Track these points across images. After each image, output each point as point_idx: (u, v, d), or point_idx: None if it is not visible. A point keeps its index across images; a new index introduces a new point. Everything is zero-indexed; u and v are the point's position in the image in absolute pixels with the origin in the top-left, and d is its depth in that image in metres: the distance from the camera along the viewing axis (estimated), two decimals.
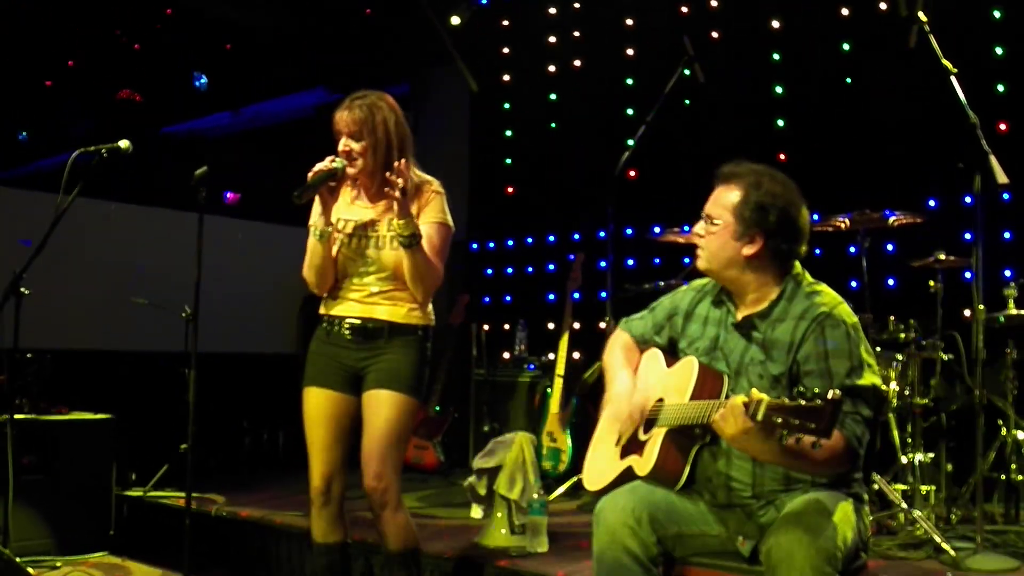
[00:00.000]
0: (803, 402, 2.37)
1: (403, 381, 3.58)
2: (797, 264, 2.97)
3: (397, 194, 3.42)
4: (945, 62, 4.35)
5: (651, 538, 2.82)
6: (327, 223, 3.59)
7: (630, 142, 5.74)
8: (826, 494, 2.78)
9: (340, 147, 3.58)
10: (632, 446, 3.03)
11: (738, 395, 2.56)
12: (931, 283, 5.01)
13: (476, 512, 5.09)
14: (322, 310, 3.73)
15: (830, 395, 2.36)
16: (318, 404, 3.65)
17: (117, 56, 8.21)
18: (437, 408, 6.98)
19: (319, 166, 3.54)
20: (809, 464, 2.65)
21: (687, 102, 6.80)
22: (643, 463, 2.93)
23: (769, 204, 2.86)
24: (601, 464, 3.16)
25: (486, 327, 7.53)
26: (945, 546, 4.25)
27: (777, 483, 2.85)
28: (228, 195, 9.27)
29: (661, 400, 3.00)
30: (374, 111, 3.59)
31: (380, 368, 3.59)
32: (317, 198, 3.57)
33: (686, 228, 5.69)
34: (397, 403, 3.55)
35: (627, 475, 2.99)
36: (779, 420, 2.40)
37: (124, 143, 3.99)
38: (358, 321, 3.62)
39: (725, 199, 2.90)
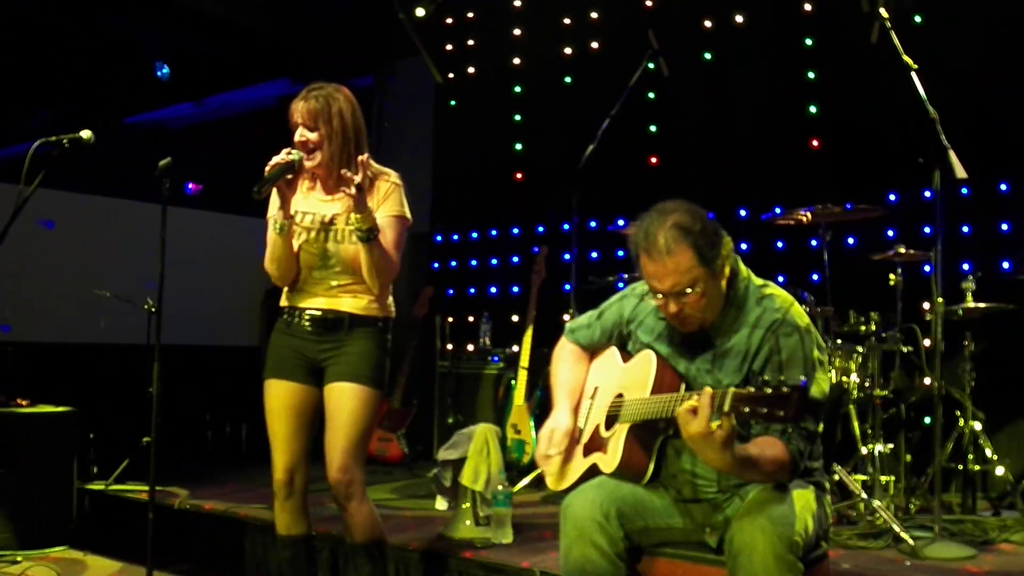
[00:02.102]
0: (769, 390, 2.38)
1: (365, 373, 3.57)
2: (742, 266, 2.95)
3: (353, 190, 3.41)
4: (906, 58, 4.40)
5: (618, 533, 2.83)
6: (286, 216, 3.57)
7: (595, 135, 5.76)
8: (789, 483, 2.81)
9: (296, 137, 3.56)
10: (595, 443, 3.04)
11: (707, 388, 2.55)
12: (891, 276, 5.07)
13: (441, 504, 5.11)
14: (283, 302, 3.72)
15: (795, 382, 2.38)
16: (279, 395, 3.64)
17: (78, 45, 8.10)
18: (401, 401, 6.98)
19: (276, 159, 3.51)
20: (757, 474, 2.67)
21: (651, 95, 6.84)
22: (608, 460, 2.94)
23: (709, 234, 2.79)
24: (564, 462, 3.15)
25: (450, 319, 7.54)
26: (904, 535, 4.32)
27: None
28: (190, 186, 9.19)
29: (620, 396, 3.00)
30: (330, 101, 3.57)
31: (341, 361, 3.58)
32: (275, 191, 3.55)
33: None
34: (360, 395, 3.55)
35: (592, 472, 3.00)
36: (746, 410, 2.41)
37: (86, 133, 3.93)
38: (319, 313, 3.61)
39: (683, 266, 2.76)
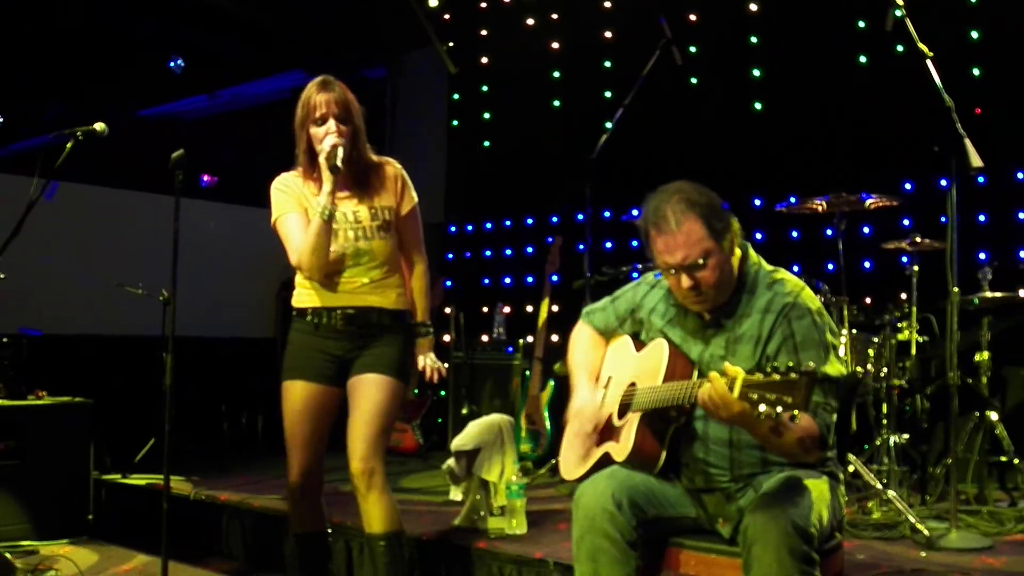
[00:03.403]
0: (777, 377, 2.38)
1: (392, 365, 3.58)
2: (752, 252, 2.96)
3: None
4: (921, 46, 4.36)
5: (630, 522, 2.82)
6: (333, 203, 3.49)
7: (608, 124, 5.75)
8: (802, 472, 2.81)
9: (330, 129, 3.48)
10: (608, 433, 3.04)
11: (712, 372, 2.56)
12: (906, 266, 5.04)
13: (455, 494, 5.11)
14: (304, 303, 3.63)
15: (804, 368, 2.37)
16: (303, 397, 3.59)
17: (93, 38, 8.13)
18: (416, 391, 6.99)
19: (335, 141, 3.46)
20: (787, 442, 2.65)
21: (663, 85, 6.81)
22: (620, 449, 2.94)
23: (716, 208, 2.82)
24: (577, 451, 3.16)
25: (464, 310, 7.54)
26: (919, 526, 4.29)
27: (754, 466, 2.87)
28: (205, 178, 9.22)
29: (634, 384, 3.00)
30: (348, 93, 3.55)
31: (369, 353, 3.58)
32: (327, 176, 3.47)
33: None
34: (386, 386, 3.55)
35: (604, 461, 3.00)
36: (755, 396, 2.41)
37: (99, 126, 3.94)
38: (352, 311, 3.57)
39: (693, 237, 2.78)
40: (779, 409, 2.40)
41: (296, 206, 3.57)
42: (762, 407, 2.41)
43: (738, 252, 2.89)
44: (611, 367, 3.20)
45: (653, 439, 2.89)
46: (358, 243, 3.56)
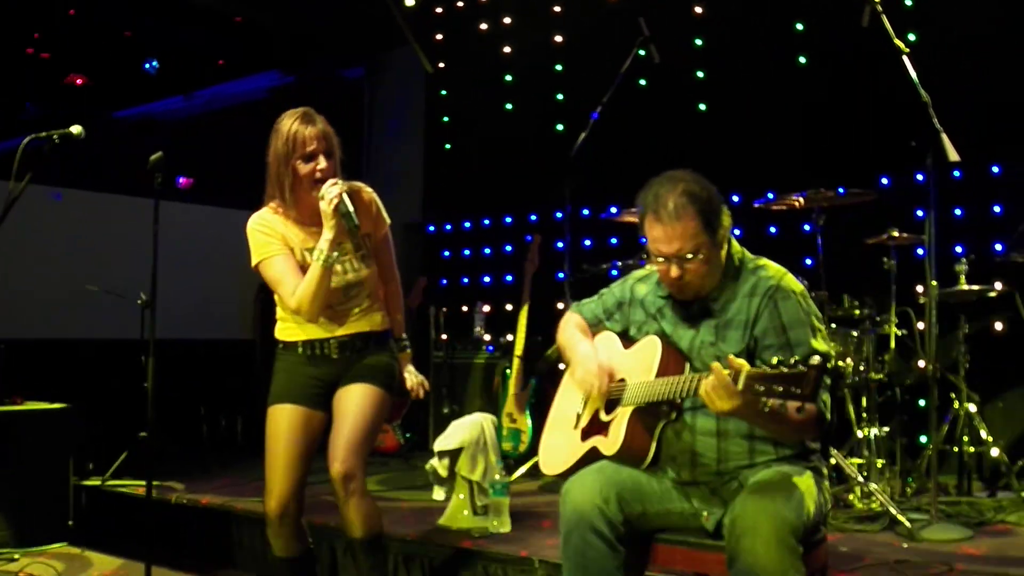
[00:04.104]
0: (785, 369, 2.40)
1: (379, 377, 3.58)
2: (735, 243, 3.00)
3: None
4: (897, 41, 4.39)
5: (618, 517, 2.84)
6: (332, 250, 3.44)
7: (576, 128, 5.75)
8: (789, 467, 2.83)
9: (320, 165, 3.43)
10: (594, 427, 3.05)
11: (716, 364, 2.57)
12: (884, 260, 5.08)
13: (438, 494, 5.11)
14: (295, 336, 3.59)
15: (812, 360, 2.39)
16: (288, 420, 3.55)
17: (66, 40, 8.07)
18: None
19: (340, 191, 3.41)
20: (788, 427, 2.69)
21: (642, 82, 6.83)
22: (609, 443, 2.95)
23: (715, 204, 2.87)
24: (560, 447, 3.17)
25: (444, 309, 7.53)
26: (900, 518, 4.34)
27: (741, 457, 2.89)
28: (181, 180, 9.16)
29: (623, 380, 3.02)
30: (328, 125, 3.51)
31: (356, 368, 3.58)
32: (329, 225, 3.42)
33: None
34: (371, 394, 3.54)
35: (591, 456, 3.01)
36: (761, 388, 2.43)
37: (76, 128, 3.89)
38: (346, 339, 3.57)
39: (689, 231, 2.82)
40: (787, 401, 2.42)
41: (281, 247, 3.51)
42: (769, 399, 2.44)
43: (726, 241, 2.94)
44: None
45: (643, 434, 2.91)
46: (347, 276, 3.55)
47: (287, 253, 3.51)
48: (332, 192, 3.40)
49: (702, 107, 6.82)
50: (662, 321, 3.04)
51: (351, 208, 3.42)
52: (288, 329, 3.61)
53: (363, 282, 3.59)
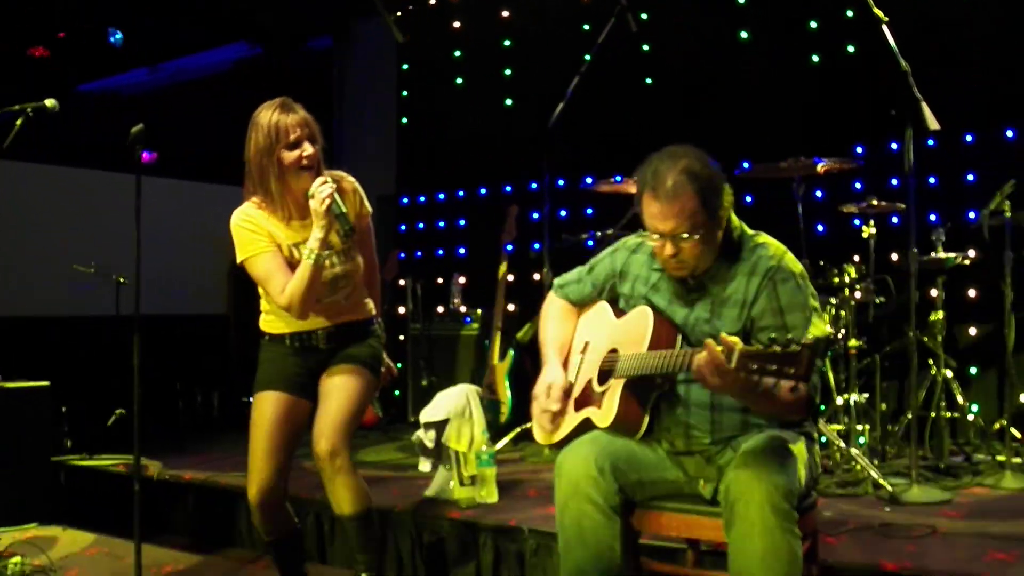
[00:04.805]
0: (778, 348, 2.39)
1: (365, 361, 3.60)
2: (734, 216, 2.96)
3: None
4: (877, 11, 4.41)
5: (613, 487, 2.85)
6: (323, 248, 3.41)
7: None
8: (781, 432, 2.85)
9: (303, 153, 3.38)
10: (587, 398, 3.05)
11: (710, 341, 2.56)
12: (864, 228, 5.12)
13: (424, 465, 5.10)
14: (281, 329, 3.58)
15: (805, 340, 2.39)
16: (273, 406, 3.52)
17: (28, 12, 7.92)
18: None
19: (330, 190, 3.37)
20: (778, 407, 2.70)
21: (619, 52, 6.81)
22: (603, 415, 2.95)
23: (715, 183, 2.83)
24: (549, 424, 3.14)
25: (420, 282, 7.51)
26: (882, 482, 4.41)
27: (735, 428, 2.91)
28: (144, 154, 9.04)
29: (615, 351, 3.01)
30: (307, 112, 3.46)
31: (344, 352, 3.59)
32: (319, 224, 3.38)
33: (618, 178, 5.71)
34: (358, 375, 3.55)
35: (585, 426, 3.02)
36: (754, 367, 2.43)
37: (50, 101, 3.85)
38: (333, 328, 3.57)
39: (687, 210, 2.78)
40: (780, 380, 2.43)
41: (268, 244, 3.46)
42: (762, 378, 2.44)
43: (725, 220, 2.90)
44: (588, 333, 3.20)
45: (637, 405, 2.91)
46: (335, 269, 3.52)
47: (274, 250, 3.46)
48: (324, 192, 3.36)
49: (678, 77, 6.80)
50: (656, 295, 3.01)
51: (344, 209, 3.40)
52: (272, 322, 3.61)
53: (349, 274, 3.57)
